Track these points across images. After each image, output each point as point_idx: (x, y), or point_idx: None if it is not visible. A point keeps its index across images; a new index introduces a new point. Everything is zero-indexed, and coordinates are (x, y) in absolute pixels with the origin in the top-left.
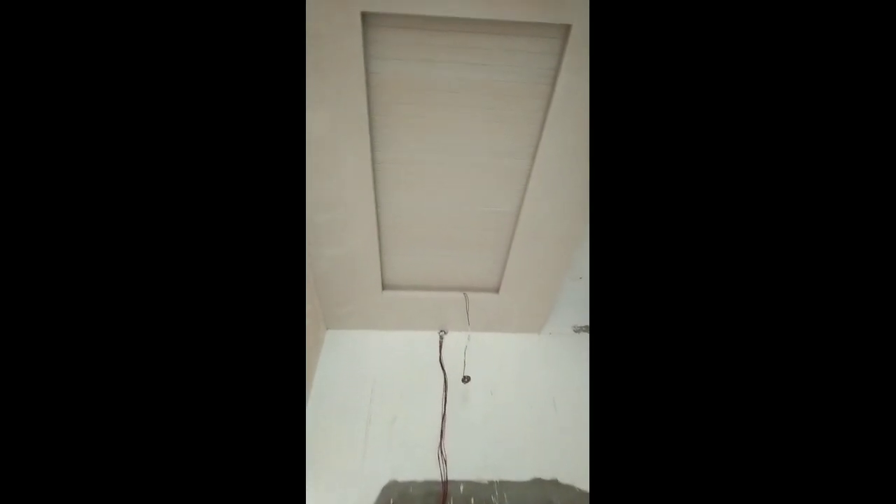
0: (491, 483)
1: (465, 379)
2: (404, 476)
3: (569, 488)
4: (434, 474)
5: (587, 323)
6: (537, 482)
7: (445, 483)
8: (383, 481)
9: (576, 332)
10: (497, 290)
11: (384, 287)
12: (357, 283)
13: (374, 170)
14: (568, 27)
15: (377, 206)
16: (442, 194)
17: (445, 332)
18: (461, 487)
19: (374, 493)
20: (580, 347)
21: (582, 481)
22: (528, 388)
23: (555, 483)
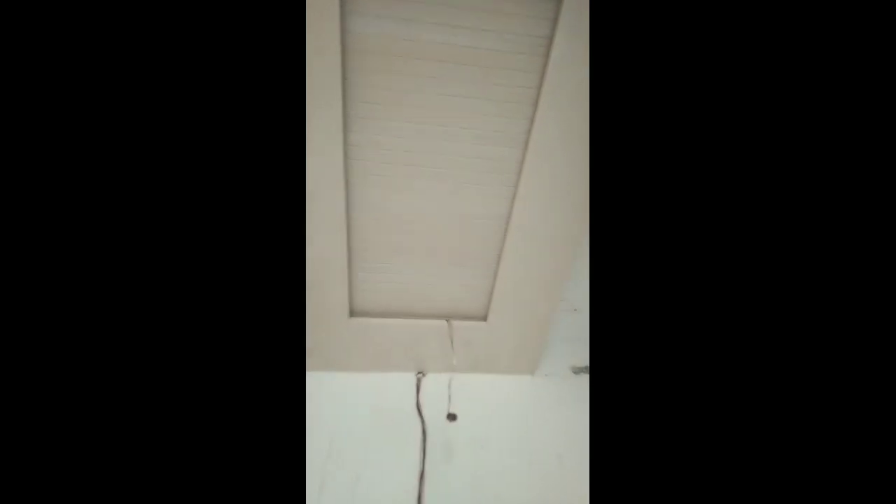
0: None
1: (451, 417)
2: None
3: None
4: None
5: (587, 363)
6: None
7: None
8: None
9: (575, 373)
10: (485, 318)
11: (352, 313)
12: (319, 307)
13: (345, 156)
14: None
15: (347, 205)
16: (421, 191)
17: (423, 374)
18: None
19: None
20: (582, 391)
21: None
22: (527, 440)
23: None
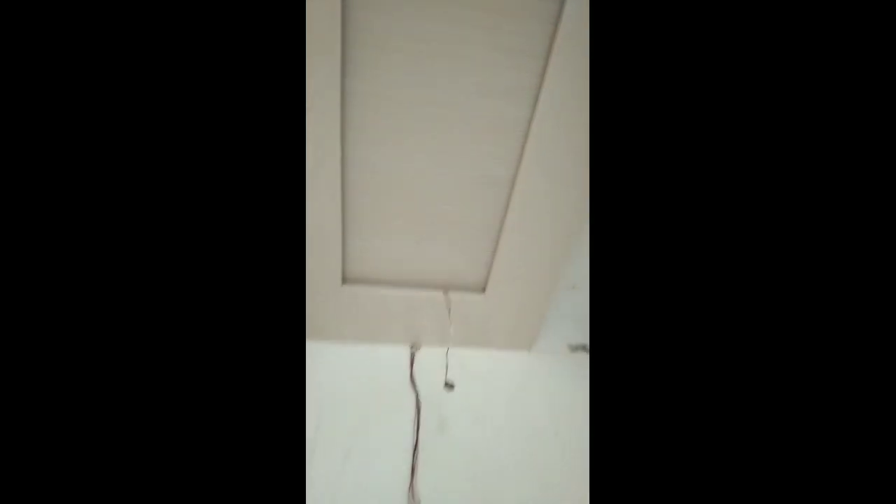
0: None
1: (449, 386)
2: None
3: None
4: None
5: (585, 342)
6: None
7: None
8: None
9: (572, 351)
10: (483, 290)
11: (345, 280)
12: (310, 272)
13: (343, 105)
14: None
15: (343, 162)
16: (424, 148)
17: (418, 347)
18: None
19: None
20: (579, 369)
21: None
22: (523, 415)
23: None
